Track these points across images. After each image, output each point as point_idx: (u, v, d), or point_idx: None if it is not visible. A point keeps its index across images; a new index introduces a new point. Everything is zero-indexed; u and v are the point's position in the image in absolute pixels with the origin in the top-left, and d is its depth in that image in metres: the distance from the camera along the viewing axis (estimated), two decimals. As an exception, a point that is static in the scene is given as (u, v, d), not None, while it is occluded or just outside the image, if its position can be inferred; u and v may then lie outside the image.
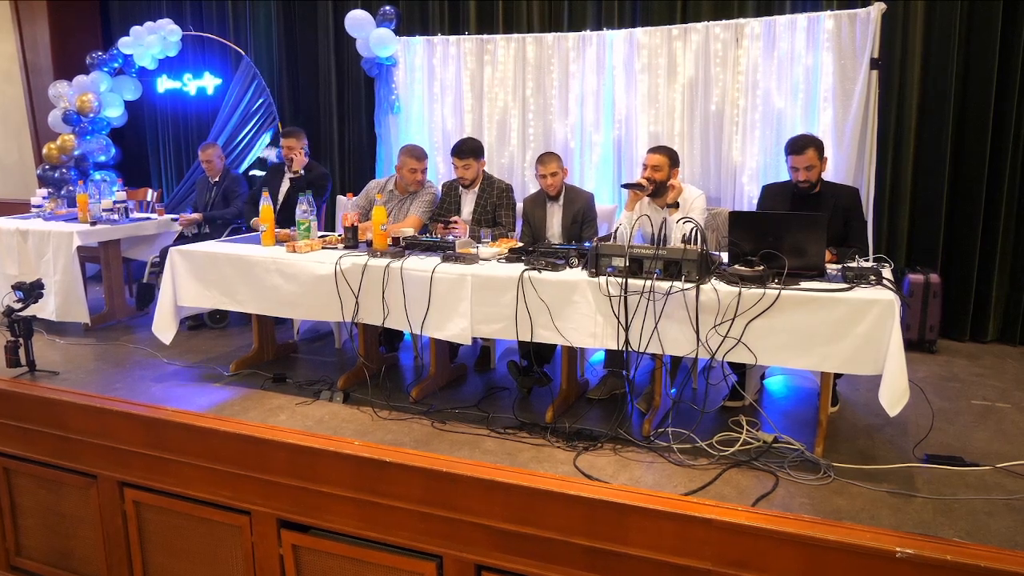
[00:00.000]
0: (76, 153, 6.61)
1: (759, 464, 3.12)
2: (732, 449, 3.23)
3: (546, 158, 4.23)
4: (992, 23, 4.62)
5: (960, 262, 4.90)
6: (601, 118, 5.23)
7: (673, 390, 3.80)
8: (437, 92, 5.67)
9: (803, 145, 3.75)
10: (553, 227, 4.29)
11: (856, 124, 4.50)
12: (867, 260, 3.34)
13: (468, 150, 4.39)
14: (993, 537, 2.60)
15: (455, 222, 4.25)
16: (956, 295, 4.89)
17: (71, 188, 6.42)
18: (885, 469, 3.08)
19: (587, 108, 5.25)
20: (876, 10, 4.41)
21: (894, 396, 2.85)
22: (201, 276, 4.04)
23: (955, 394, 3.96)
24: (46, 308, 4.87)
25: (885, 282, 3.03)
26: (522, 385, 3.88)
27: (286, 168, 4.94)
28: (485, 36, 5.50)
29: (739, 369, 3.64)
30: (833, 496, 2.88)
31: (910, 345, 4.68)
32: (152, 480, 2.58)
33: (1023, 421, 3.59)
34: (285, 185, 4.97)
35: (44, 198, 5.71)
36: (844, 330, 2.92)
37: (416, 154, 4.45)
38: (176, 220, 5.50)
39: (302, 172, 4.92)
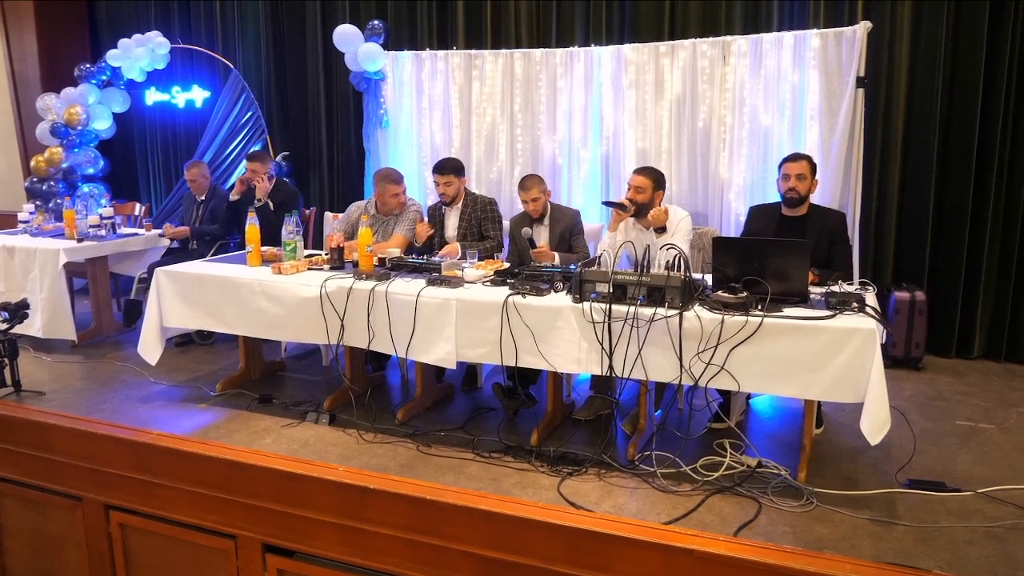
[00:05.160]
0: (64, 166, 6.58)
1: (742, 490, 3.13)
2: (716, 474, 3.24)
3: (527, 183, 4.21)
4: (977, 42, 4.65)
5: (946, 279, 4.92)
6: (589, 134, 5.24)
7: (659, 412, 3.81)
8: (425, 107, 5.67)
9: (798, 155, 3.83)
10: (541, 245, 4.29)
11: (842, 141, 4.52)
12: (850, 284, 3.36)
13: (449, 167, 4.42)
14: (972, 567, 2.61)
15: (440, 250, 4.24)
16: (942, 312, 4.92)
17: (59, 201, 6.39)
18: (867, 495, 3.10)
19: (575, 124, 5.26)
20: (862, 29, 4.42)
21: (875, 425, 2.86)
22: (187, 297, 4.03)
23: (939, 414, 3.98)
24: (32, 325, 4.85)
25: (868, 309, 3.04)
26: (508, 407, 3.88)
27: (255, 199, 4.94)
28: (473, 51, 5.50)
29: (724, 391, 3.65)
30: (815, 524, 2.90)
31: (896, 362, 4.71)
32: (138, 503, 2.57)
33: (1006, 443, 3.62)
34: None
35: (31, 213, 5.69)
36: (826, 358, 2.94)
37: (393, 178, 4.46)
38: (161, 234, 5.48)
39: (267, 200, 4.92)
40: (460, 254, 4.15)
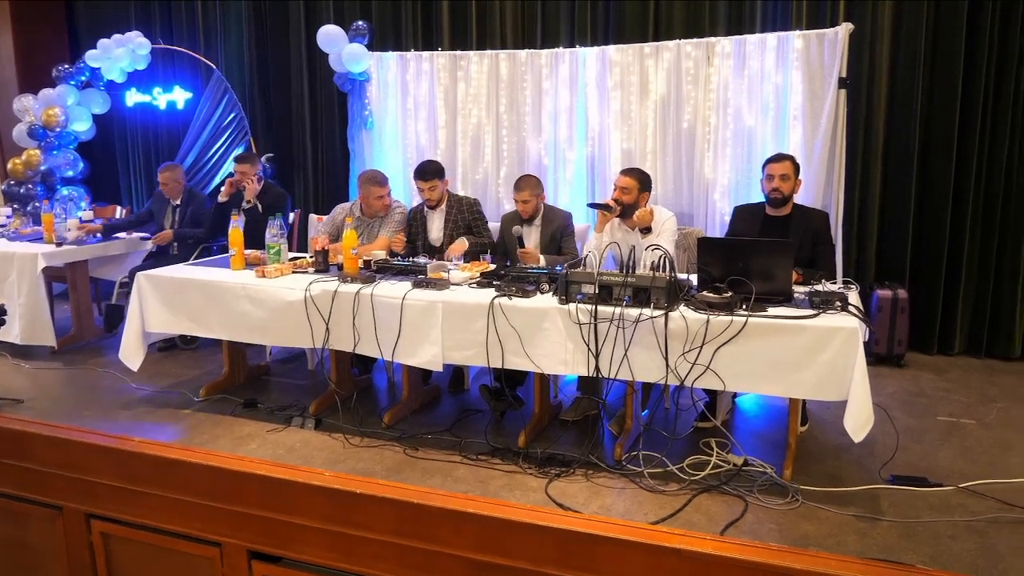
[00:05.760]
0: (42, 168, 6.50)
1: (729, 488, 3.14)
2: (702, 473, 3.25)
3: (521, 184, 4.23)
4: (956, 43, 4.71)
5: (927, 277, 4.98)
6: (574, 135, 5.25)
7: (645, 412, 3.82)
8: (411, 108, 5.65)
9: (782, 156, 3.86)
10: (529, 246, 4.29)
11: (825, 142, 4.56)
12: (834, 283, 3.39)
13: (431, 171, 4.40)
14: (955, 561, 2.64)
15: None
16: (924, 309, 4.97)
17: (37, 204, 6.31)
18: (852, 491, 3.13)
19: (560, 125, 5.26)
20: (844, 30, 4.46)
21: (858, 423, 2.89)
22: (169, 301, 3.99)
23: (921, 410, 4.02)
24: (10, 332, 4.78)
25: (851, 308, 3.06)
26: (495, 409, 3.88)
27: (244, 201, 4.90)
28: (458, 52, 5.49)
29: (710, 391, 3.66)
30: (801, 521, 2.92)
31: (879, 359, 4.75)
32: (120, 512, 2.54)
33: (986, 438, 3.66)
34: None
35: (8, 216, 5.61)
36: (810, 357, 2.96)
37: (377, 180, 4.44)
38: (148, 239, 5.45)
39: (255, 202, 4.89)
40: (466, 248, 4.17)
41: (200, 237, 5.28)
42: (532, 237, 4.30)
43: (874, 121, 4.96)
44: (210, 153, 6.50)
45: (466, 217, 4.47)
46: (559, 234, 4.28)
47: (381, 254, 4.04)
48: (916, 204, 4.93)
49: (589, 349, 3.21)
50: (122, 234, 5.48)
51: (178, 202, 5.45)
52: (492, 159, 5.45)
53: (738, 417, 4.01)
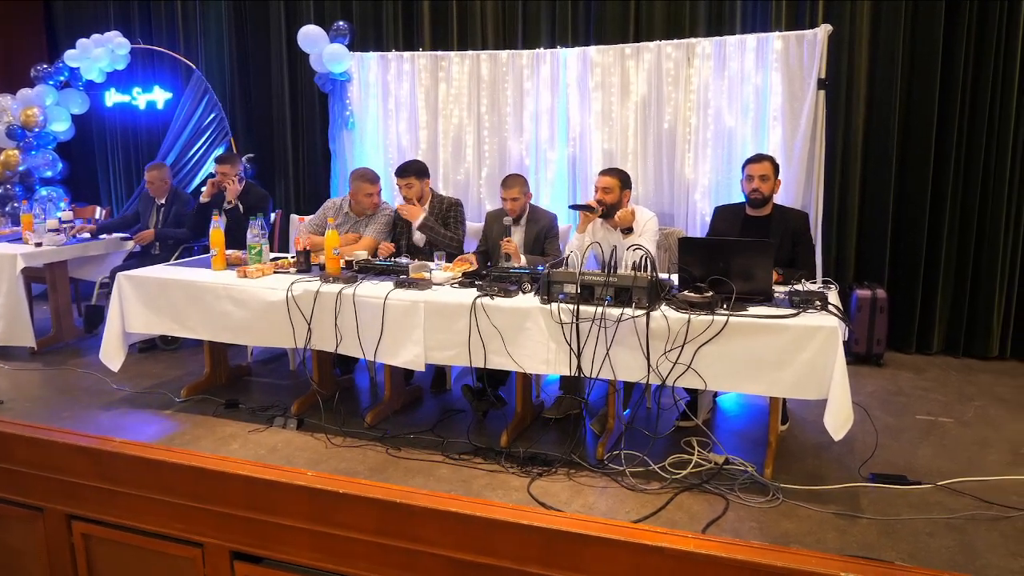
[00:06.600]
0: (21, 168, 6.42)
1: (710, 487, 3.16)
2: (684, 472, 3.27)
3: (510, 181, 4.25)
4: (934, 45, 4.77)
5: (906, 276, 5.04)
6: (555, 135, 5.26)
7: (627, 411, 3.84)
8: (392, 108, 5.64)
9: (761, 156, 3.89)
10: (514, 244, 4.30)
11: (804, 142, 4.60)
12: (813, 283, 3.42)
13: (411, 170, 4.41)
14: (934, 557, 2.68)
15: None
16: (902, 309, 5.03)
17: (16, 204, 6.24)
18: (832, 489, 3.16)
19: (541, 125, 5.28)
20: (823, 32, 4.51)
21: (838, 421, 2.92)
22: (150, 302, 3.96)
23: (900, 409, 4.07)
24: (-11, 333, 4.73)
25: (831, 307, 3.10)
26: (477, 409, 3.88)
27: (225, 201, 4.88)
28: (439, 53, 5.49)
29: (691, 390, 3.68)
30: (781, 519, 2.94)
31: (858, 358, 4.80)
32: (101, 513, 2.52)
33: (964, 436, 3.71)
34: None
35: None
36: (790, 356, 2.98)
37: (369, 178, 4.44)
38: (126, 238, 5.40)
39: (237, 203, 4.86)
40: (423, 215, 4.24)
41: (182, 237, 5.24)
42: (517, 237, 4.31)
43: (853, 122, 5.02)
44: (190, 153, 6.45)
45: (443, 217, 4.46)
46: (543, 235, 4.30)
47: (363, 254, 4.03)
48: (895, 204, 4.99)
49: (571, 349, 3.22)
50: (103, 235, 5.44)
51: (163, 201, 5.42)
52: (473, 160, 5.46)
53: (719, 416, 4.04)
